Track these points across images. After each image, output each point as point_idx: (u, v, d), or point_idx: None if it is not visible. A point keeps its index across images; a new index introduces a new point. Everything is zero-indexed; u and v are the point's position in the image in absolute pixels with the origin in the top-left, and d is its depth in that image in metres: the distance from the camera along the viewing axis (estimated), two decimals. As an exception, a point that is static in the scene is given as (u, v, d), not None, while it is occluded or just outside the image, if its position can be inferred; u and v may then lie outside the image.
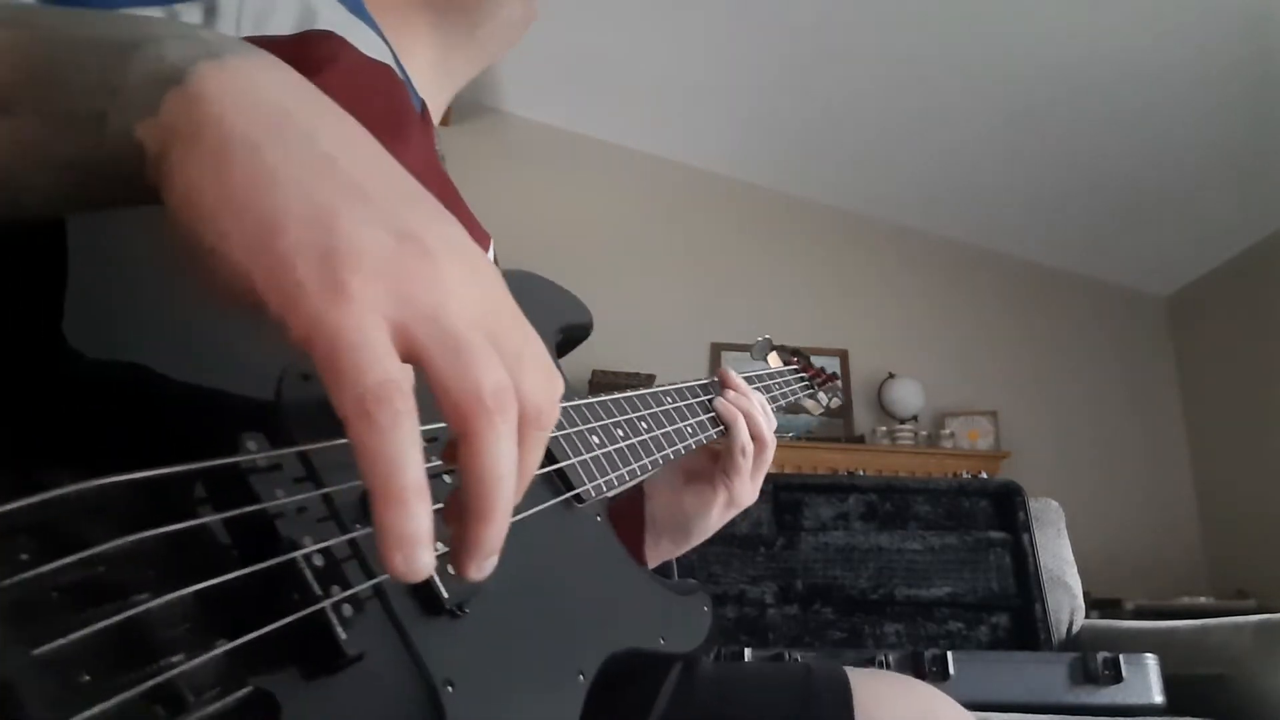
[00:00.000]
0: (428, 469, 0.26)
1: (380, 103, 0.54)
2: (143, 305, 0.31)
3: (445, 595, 0.35)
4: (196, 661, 0.25)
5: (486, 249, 0.68)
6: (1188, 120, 3.13)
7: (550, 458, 0.49)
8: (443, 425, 0.27)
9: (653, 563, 0.75)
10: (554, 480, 0.49)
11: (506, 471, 0.27)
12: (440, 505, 0.28)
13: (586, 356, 3.23)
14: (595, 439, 0.55)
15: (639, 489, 0.76)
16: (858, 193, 3.89)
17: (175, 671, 0.25)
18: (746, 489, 0.74)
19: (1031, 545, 1.94)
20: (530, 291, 0.57)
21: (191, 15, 0.45)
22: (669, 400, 0.68)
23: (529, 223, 3.31)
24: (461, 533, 0.28)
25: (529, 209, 3.43)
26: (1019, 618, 1.92)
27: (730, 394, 0.75)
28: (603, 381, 3.23)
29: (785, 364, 1.01)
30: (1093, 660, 1.50)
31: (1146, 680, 1.49)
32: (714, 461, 0.74)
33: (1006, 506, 2.02)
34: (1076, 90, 3.08)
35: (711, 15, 3.01)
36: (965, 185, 3.71)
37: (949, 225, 3.98)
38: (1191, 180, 3.41)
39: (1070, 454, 3.74)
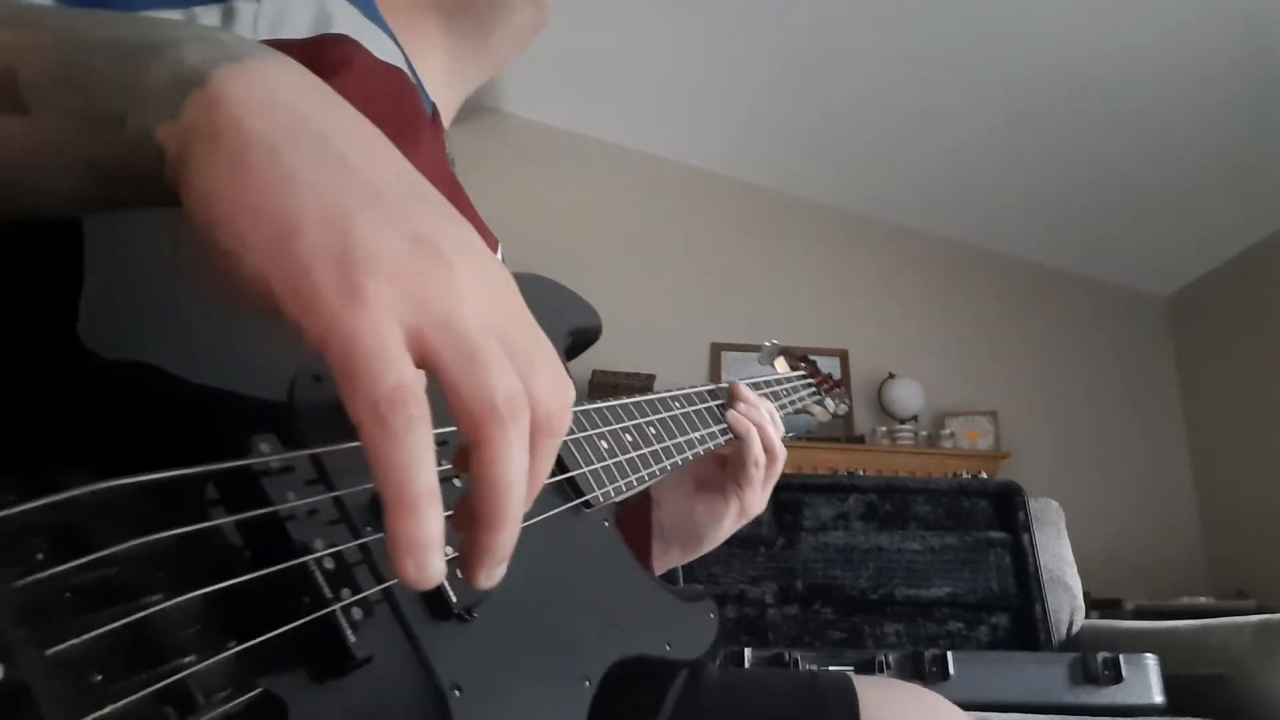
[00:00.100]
0: (438, 473, 0.26)
1: (392, 106, 0.54)
2: (156, 306, 0.31)
3: (454, 599, 0.35)
4: (208, 663, 0.26)
5: (495, 252, 0.68)
6: (1188, 120, 3.13)
7: (560, 464, 0.49)
8: (453, 429, 0.27)
9: (661, 570, 0.75)
10: (563, 487, 0.49)
11: (518, 478, 0.27)
12: (450, 511, 0.28)
13: (587, 356, 3.20)
14: (604, 445, 0.55)
15: (646, 495, 0.76)
16: (858, 193, 3.89)
17: (186, 672, 0.25)
18: (758, 498, 0.74)
19: (1031, 545, 1.94)
20: (540, 295, 0.57)
21: (209, 18, 0.46)
22: (677, 406, 0.68)
23: (529, 223, 3.30)
24: (472, 539, 0.28)
25: (529, 209, 3.43)
26: (1019, 618, 1.92)
27: (741, 406, 0.75)
28: (603, 381, 3.24)
29: (793, 369, 1.01)
30: (1093, 660, 1.50)
31: (1146, 680, 1.49)
32: (723, 469, 0.74)
33: (1006, 506, 2.02)
34: (1076, 90, 3.08)
35: (711, 15, 3.01)
36: (965, 185, 3.71)
37: (949, 225, 3.99)
38: (1191, 180, 3.42)
39: (1070, 454, 3.74)
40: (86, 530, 0.24)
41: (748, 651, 1.56)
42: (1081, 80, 3.03)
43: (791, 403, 0.93)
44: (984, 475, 3.20)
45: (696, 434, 0.68)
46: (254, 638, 0.27)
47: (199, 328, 0.32)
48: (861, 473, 3.22)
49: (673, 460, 0.63)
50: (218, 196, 0.25)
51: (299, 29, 0.50)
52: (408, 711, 0.32)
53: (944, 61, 3.06)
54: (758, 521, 2.02)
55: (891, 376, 3.69)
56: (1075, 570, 2.00)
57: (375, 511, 0.34)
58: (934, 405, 3.71)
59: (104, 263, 0.30)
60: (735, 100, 3.47)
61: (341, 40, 0.51)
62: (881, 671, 1.53)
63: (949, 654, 1.53)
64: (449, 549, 0.27)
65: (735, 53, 3.20)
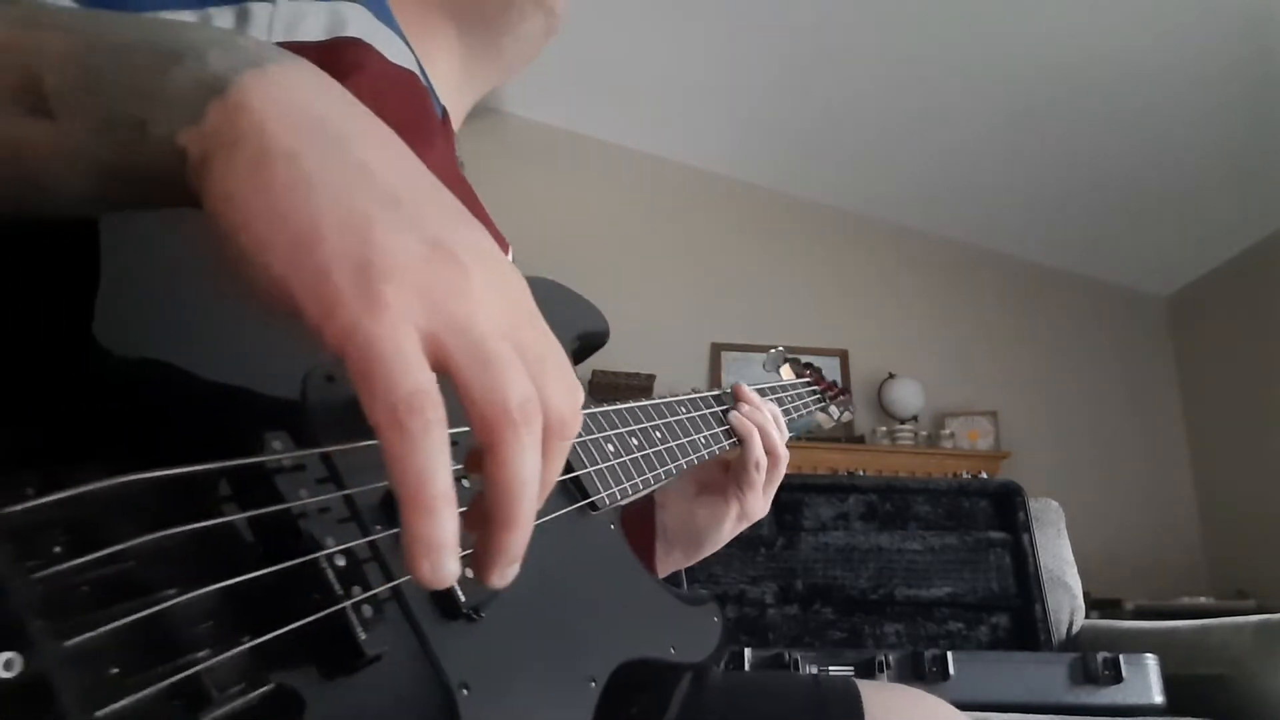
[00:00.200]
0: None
1: (404, 108, 0.54)
2: (171, 306, 0.32)
3: (462, 599, 0.36)
4: (221, 658, 0.26)
5: (506, 255, 0.68)
6: (1188, 120, 3.13)
7: (567, 465, 0.49)
8: (464, 430, 0.28)
9: (664, 572, 0.75)
10: (569, 488, 0.50)
11: (531, 481, 0.28)
12: (462, 510, 0.28)
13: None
14: (610, 447, 0.55)
15: (650, 498, 0.76)
16: (858, 193, 3.90)
17: (201, 667, 0.25)
18: (759, 502, 0.74)
19: (1031, 545, 1.94)
20: (549, 298, 0.58)
21: (224, 19, 0.46)
22: (683, 410, 0.68)
23: (529, 223, 3.30)
24: (485, 540, 0.28)
25: (529, 209, 3.43)
26: (1019, 618, 1.92)
27: (744, 407, 0.75)
28: (603, 381, 3.24)
29: (798, 376, 1.01)
30: (1093, 660, 1.50)
31: (1146, 680, 1.49)
32: (725, 473, 0.74)
33: (1006, 506, 2.02)
34: (1076, 90, 3.08)
35: (711, 15, 3.02)
36: (965, 185, 3.71)
37: (949, 225, 3.99)
38: (1191, 180, 3.42)
39: (1070, 454, 3.74)
40: (104, 524, 0.25)
41: (748, 651, 1.56)
42: (1081, 80, 3.03)
43: (796, 409, 0.93)
44: (984, 475, 3.20)
45: (701, 437, 0.68)
46: (266, 633, 0.27)
47: (213, 327, 0.32)
48: (861, 473, 3.23)
49: (678, 463, 0.63)
50: (239, 201, 0.25)
51: (313, 32, 0.50)
52: (416, 709, 0.33)
53: (944, 61, 3.06)
54: (758, 522, 2.02)
55: (891, 376, 3.69)
56: (1075, 570, 2.00)
57: (385, 510, 0.34)
58: (934, 405, 3.71)
59: (120, 262, 0.30)
60: (735, 100, 3.48)
61: (355, 43, 0.51)
62: (881, 671, 1.53)
63: (949, 654, 1.54)
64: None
65: (735, 53, 3.20)
